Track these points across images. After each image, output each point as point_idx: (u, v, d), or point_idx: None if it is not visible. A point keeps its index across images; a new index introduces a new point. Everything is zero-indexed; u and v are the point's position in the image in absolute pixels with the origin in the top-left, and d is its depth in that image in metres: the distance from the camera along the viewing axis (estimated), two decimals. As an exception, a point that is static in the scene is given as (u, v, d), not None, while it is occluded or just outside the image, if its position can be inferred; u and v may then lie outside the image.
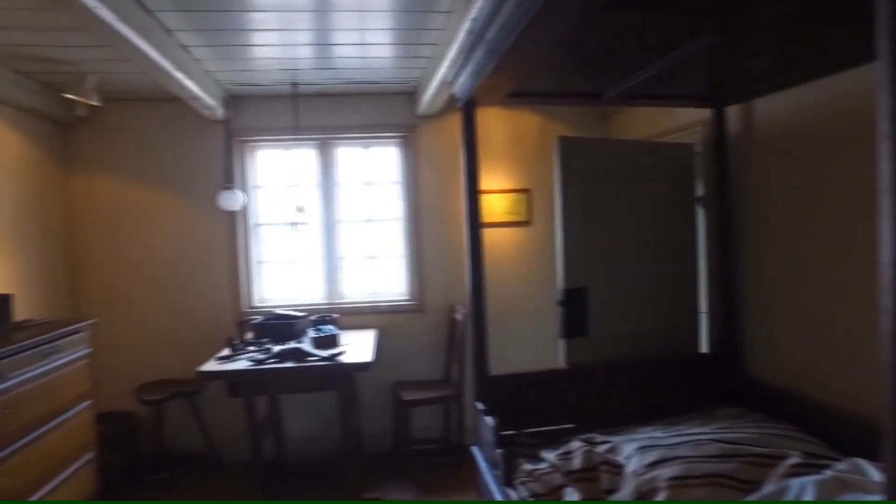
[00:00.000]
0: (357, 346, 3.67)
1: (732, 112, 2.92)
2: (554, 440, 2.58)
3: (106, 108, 4.14)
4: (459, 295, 4.44)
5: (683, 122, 3.34)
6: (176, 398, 3.98)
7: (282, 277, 4.59)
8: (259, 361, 3.33)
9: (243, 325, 3.89)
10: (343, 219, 4.57)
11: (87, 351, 3.02)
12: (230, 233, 4.36)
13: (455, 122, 4.50)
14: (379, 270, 4.64)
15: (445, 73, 3.24)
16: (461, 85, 2.59)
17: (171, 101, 4.17)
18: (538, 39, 1.80)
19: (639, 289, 2.97)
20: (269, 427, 4.10)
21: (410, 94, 4.47)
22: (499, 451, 2.23)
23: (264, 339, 3.82)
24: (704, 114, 3.02)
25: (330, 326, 3.95)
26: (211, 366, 3.33)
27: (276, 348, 3.54)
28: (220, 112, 4.08)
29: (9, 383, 2.36)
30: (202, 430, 4.13)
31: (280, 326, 3.94)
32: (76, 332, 2.94)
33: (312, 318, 4.12)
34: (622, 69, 2.33)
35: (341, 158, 4.58)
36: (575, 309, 2.86)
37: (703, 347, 3.16)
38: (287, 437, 4.32)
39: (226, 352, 3.61)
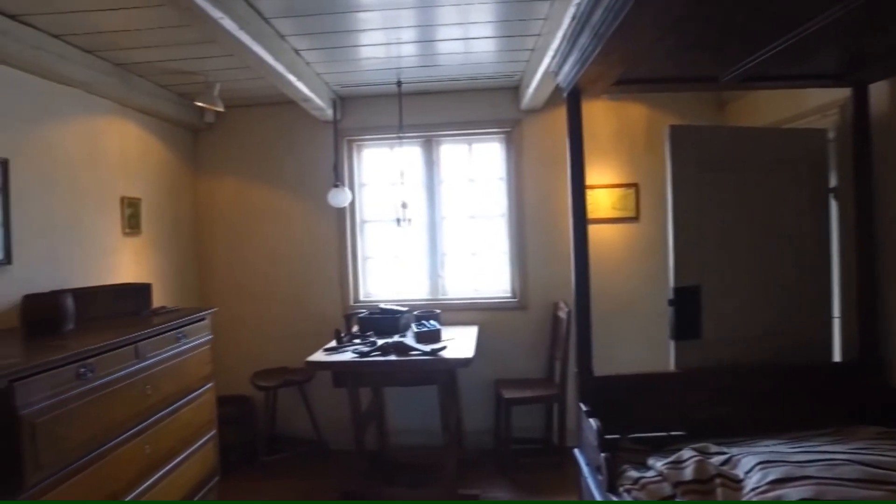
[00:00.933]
0: (459, 342, 3.68)
1: (877, 90, 2.60)
2: (661, 447, 2.43)
3: (228, 113, 4.45)
4: (563, 292, 4.32)
5: (814, 105, 3.03)
6: (287, 386, 4.20)
7: (386, 273, 4.71)
8: (363, 354, 3.43)
9: (350, 318, 4.03)
10: (446, 215, 4.61)
11: (210, 337, 3.26)
12: (338, 229, 4.53)
13: (559, 117, 4.40)
14: (481, 267, 4.63)
15: (549, 63, 3.16)
16: (565, 74, 2.51)
17: (286, 105, 4.41)
18: (648, 19, 1.69)
19: (760, 288, 2.73)
20: (371, 418, 4.22)
21: (514, 89, 4.41)
22: (603, 455, 2.13)
23: (369, 333, 3.93)
24: (841, 94, 2.72)
25: (433, 322, 3.99)
26: (318, 356, 3.47)
27: (380, 342, 3.62)
28: (329, 113, 4.25)
29: (148, 362, 2.59)
30: (310, 417, 4.33)
31: (384, 320, 4.03)
32: (201, 318, 3.17)
33: (415, 313, 4.18)
34: (742, 47, 2.15)
35: (445, 155, 4.62)
36: (687, 309, 2.68)
37: (836, 356, 2.85)
38: (389, 428, 4.43)
39: (333, 343, 3.75)
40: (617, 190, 4.42)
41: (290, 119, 4.53)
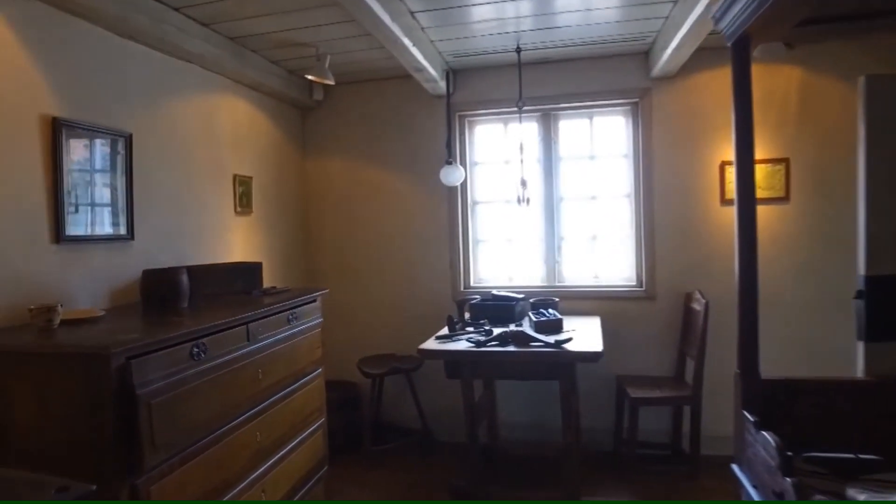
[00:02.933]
0: (582, 334, 3.33)
1: None
2: (849, 473, 1.98)
3: (337, 90, 4.33)
4: (698, 281, 3.85)
5: None
6: (394, 374, 4.03)
7: (499, 257, 4.42)
8: (479, 343, 3.17)
9: (462, 304, 3.79)
10: (565, 196, 4.24)
11: (320, 319, 3.12)
12: (449, 210, 4.29)
13: (695, 84, 3.91)
14: (603, 252, 4.23)
15: (700, 13, 2.72)
16: (733, 17, 2.08)
17: (396, 80, 4.23)
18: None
19: None
20: (483, 411, 3.96)
21: (642, 55, 3.96)
22: (789, 480, 1.73)
23: (482, 320, 3.66)
24: None
25: (552, 311, 3.67)
26: (431, 344, 3.25)
27: (497, 330, 3.35)
28: (441, 86, 4.01)
29: (260, 344, 2.47)
30: (417, 407, 4.14)
31: (498, 308, 3.75)
32: (312, 300, 3.04)
33: (532, 300, 3.87)
34: None
35: (563, 131, 4.25)
36: (882, 303, 2.18)
37: None
38: (499, 421, 4.16)
39: (444, 331, 3.52)
40: (763, 166, 3.85)
41: (401, 94, 4.33)
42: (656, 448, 3.90)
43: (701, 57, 3.65)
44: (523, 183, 3.72)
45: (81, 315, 2.19)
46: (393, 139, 4.38)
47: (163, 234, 2.96)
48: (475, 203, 4.39)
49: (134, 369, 1.73)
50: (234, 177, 3.60)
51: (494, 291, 4.02)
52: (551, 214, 4.22)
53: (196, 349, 2.01)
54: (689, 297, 3.85)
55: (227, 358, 2.20)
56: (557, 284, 4.22)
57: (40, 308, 2.00)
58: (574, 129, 4.26)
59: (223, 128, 3.52)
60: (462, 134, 4.33)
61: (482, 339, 3.24)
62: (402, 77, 4.17)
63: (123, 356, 1.70)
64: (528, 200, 3.74)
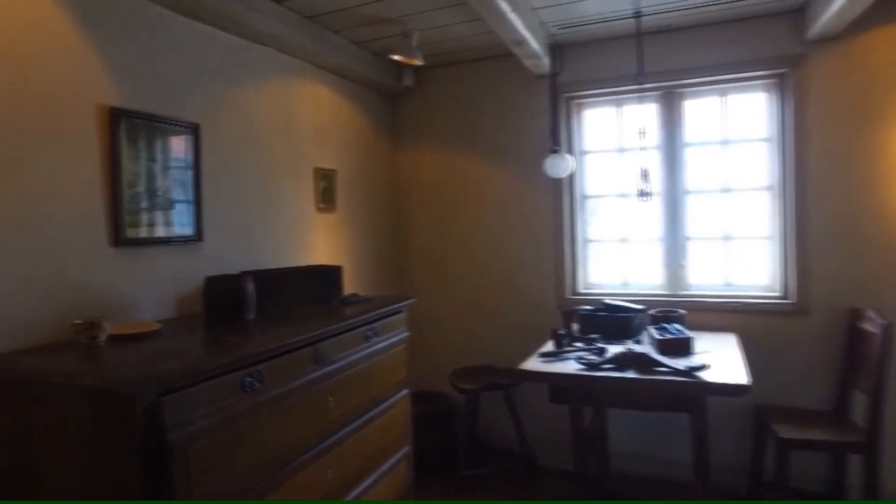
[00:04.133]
0: (719, 358, 2.71)
1: None
2: None
3: (428, 74, 3.95)
4: (870, 295, 3.10)
5: None
6: (491, 390, 3.58)
7: (612, 259, 3.84)
8: (592, 365, 2.64)
9: (569, 315, 3.27)
10: (691, 189, 3.59)
11: (406, 334, 2.72)
12: (554, 206, 3.77)
13: (869, 45, 3.12)
14: (738, 255, 3.54)
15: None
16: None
17: (493, 60, 3.80)
18: None
19: None
20: (592, 438, 3.43)
21: (793, 13, 3.22)
22: None
23: (592, 335, 3.13)
24: None
25: (677, 326, 3.06)
26: (534, 363, 2.77)
27: (611, 349, 2.82)
28: (544, 63, 3.49)
29: (332, 367, 2.10)
30: (516, 427, 3.67)
31: (612, 320, 3.20)
32: (397, 311, 2.65)
33: (652, 312, 3.28)
34: None
35: (690, 113, 3.59)
36: None
37: None
38: (610, 450, 3.60)
39: (549, 346, 3.03)
40: (962, 148, 3.02)
41: (499, 76, 3.86)
42: (804, 496, 3.19)
43: (879, 8, 2.89)
44: (645, 174, 3.13)
45: (134, 329, 1.92)
46: (491, 127, 3.91)
47: (235, 234, 2.69)
48: (584, 197, 3.83)
49: (167, 409, 1.39)
50: (316, 170, 3.29)
51: (607, 300, 3.46)
52: (674, 210, 3.58)
53: (249, 378, 1.66)
54: (856, 315, 3.09)
55: (289, 386, 1.84)
56: (682, 293, 3.58)
57: (83, 323, 1.74)
58: (703, 109, 3.58)
59: (303, 116, 3.22)
60: (569, 119, 3.79)
61: (595, 359, 2.71)
62: (500, 56, 3.70)
63: (153, 393, 1.37)
64: (650, 194, 3.14)
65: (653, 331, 3.01)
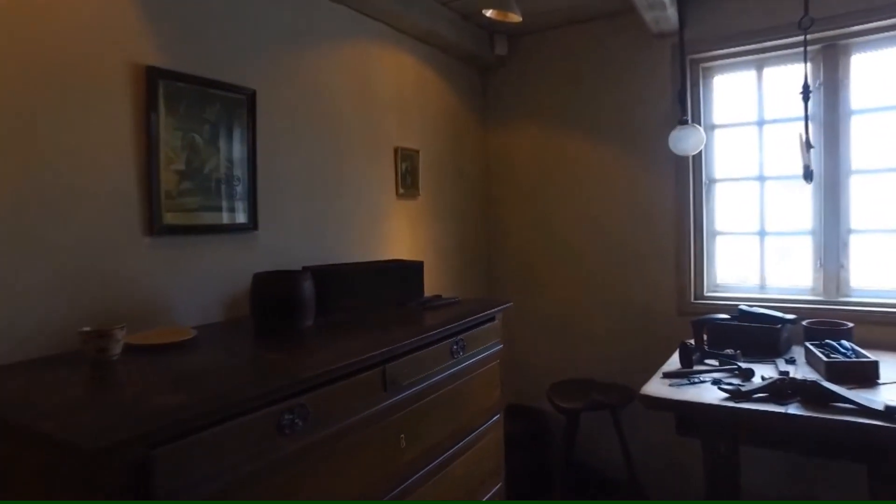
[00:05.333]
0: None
1: None
2: None
3: (525, 42, 3.44)
4: None
5: None
6: (594, 410, 3.02)
7: (745, 257, 3.16)
8: (739, 394, 2.03)
9: (700, 326, 2.63)
10: (857, 168, 2.85)
11: (500, 347, 2.21)
12: (676, 192, 3.13)
13: None
14: (925, 254, 2.77)
15: None
16: None
17: (604, 20, 3.24)
18: None
19: None
20: (723, 474, 2.78)
21: None
22: None
23: (728, 351, 2.50)
24: None
25: (845, 343, 2.38)
26: (659, 387, 2.19)
27: (759, 372, 2.20)
28: (670, 16, 2.85)
29: (405, 394, 1.64)
30: (623, 454, 3.08)
31: (754, 333, 2.56)
32: (490, 318, 2.15)
33: (805, 323, 2.60)
34: None
35: (855, 72, 2.84)
36: None
37: None
38: (742, 490, 2.93)
39: (675, 363, 2.44)
40: None
41: (610, 38, 3.26)
42: None
43: None
44: (807, 145, 2.44)
45: (161, 338, 1.55)
46: (599, 101, 3.32)
47: (297, 223, 2.30)
48: (712, 182, 3.17)
49: (161, 466, 0.98)
50: (397, 150, 2.86)
51: (743, 306, 2.80)
52: (834, 195, 2.85)
53: (289, 416, 1.23)
54: None
55: (346, 422, 1.40)
56: (841, 300, 2.85)
57: (91, 332, 1.38)
58: (875, 65, 2.82)
59: (383, 88, 2.79)
60: (695, 86, 3.13)
61: (741, 385, 2.10)
62: (611, 14, 3.15)
63: (138, 446, 0.95)
64: (811, 174, 2.46)
65: (814, 349, 2.34)
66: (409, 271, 2.34)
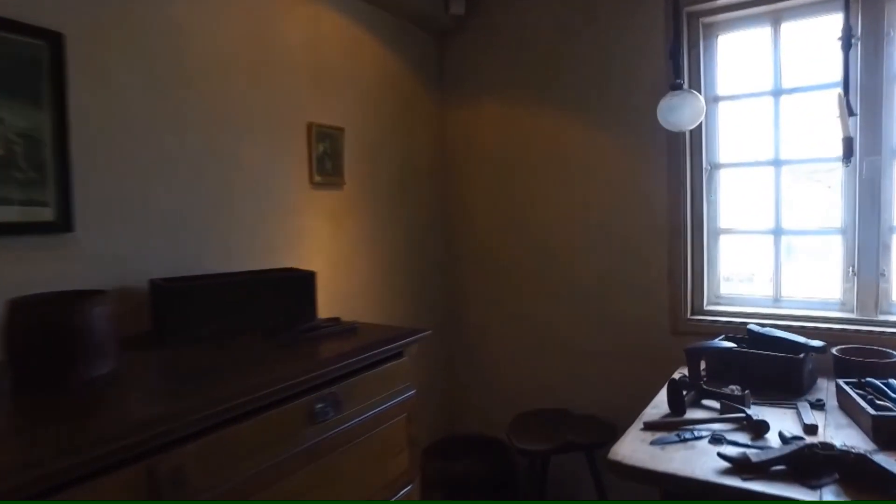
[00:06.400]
0: None
1: None
2: None
3: (486, 2, 2.81)
4: None
5: None
6: (566, 451, 2.42)
7: (756, 262, 2.54)
8: (746, 465, 1.42)
9: (697, 356, 2.00)
10: (902, 148, 2.22)
11: (410, 393, 1.59)
12: (671, 179, 2.50)
13: None
14: None
15: None
16: None
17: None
18: None
19: None
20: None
21: None
22: None
23: (731, 386, 1.89)
24: None
25: (895, 381, 1.77)
26: (635, 449, 1.58)
27: (773, 424, 1.60)
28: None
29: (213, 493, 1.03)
30: (600, 496, 2.49)
31: (765, 364, 1.95)
32: (392, 355, 1.53)
33: (835, 350, 1.99)
34: None
35: (901, 24, 2.21)
36: None
37: None
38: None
39: (661, 403, 1.84)
40: None
41: (586, -10, 2.64)
42: None
43: None
44: (848, 110, 1.80)
45: None
46: (576, 66, 2.70)
47: (150, 221, 1.70)
48: (714, 167, 2.54)
49: None
50: (311, 127, 2.24)
51: (753, 325, 2.19)
52: (874, 182, 2.22)
53: None
54: None
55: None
56: (882, 318, 2.23)
57: None
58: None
59: (291, 50, 2.18)
60: (694, 48, 2.50)
61: (748, 445, 1.50)
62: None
63: None
64: (851, 152, 1.83)
65: (851, 391, 1.72)
66: (295, 285, 1.73)
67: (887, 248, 2.23)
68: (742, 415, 1.71)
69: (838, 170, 2.29)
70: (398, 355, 1.52)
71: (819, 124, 2.33)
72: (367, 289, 2.55)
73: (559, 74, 2.72)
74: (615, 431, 2.46)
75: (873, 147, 2.19)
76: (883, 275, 2.23)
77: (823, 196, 2.37)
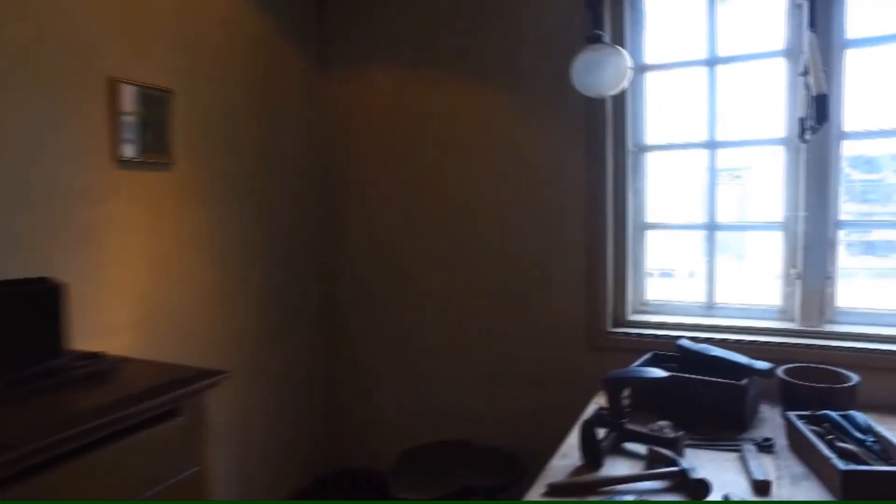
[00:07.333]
0: None
1: None
2: None
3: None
4: None
5: None
6: (462, 499, 1.96)
7: (687, 262, 2.18)
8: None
9: (617, 386, 1.55)
10: (852, 130, 1.87)
11: (195, 470, 1.05)
12: (590, 162, 2.07)
13: None
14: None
15: None
16: None
17: None
18: None
19: None
20: None
21: None
22: None
23: (661, 422, 1.48)
24: None
25: (857, 416, 1.40)
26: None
27: (718, 490, 1.18)
28: None
29: None
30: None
31: (701, 395, 1.55)
32: (165, 415, 0.99)
33: (781, 372, 1.63)
34: None
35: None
36: None
37: None
38: None
39: (573, 449, 1.40)
40: None
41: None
42: None
43: None
44: (816, 95, 1.41)
45: None
46: (484, 28, 2.22)
47: None
48: (641, 149, 2.13)
49: None
50: (114, 84, 1.65)
51: (685, 341, 1.79)
52: (822, 169, 1.87)
53: None
54: None
55: None
56: (828, 328, 1.88)
57: None
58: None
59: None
60: (617, 4, 2.07)
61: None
62: None
63: None
64: (810, 130, 1.44)
65: (807, 431, 1.34)
66: (30, 304, 1.17)
67: (833, 245, 1.89)
68: (676, 468, 1.30)
69: (782, 152, 1.93)
70: (170, 414, 0.98)
71: (761, 100, 1.97)
72: (208, 301, 1.99)
73: (461, 36, 2.24)
74: (522, 469, 2.02)
75: (825, 126, 1.83)
76: (829, 278, 1.89)
77: (763, 185, 2.02)
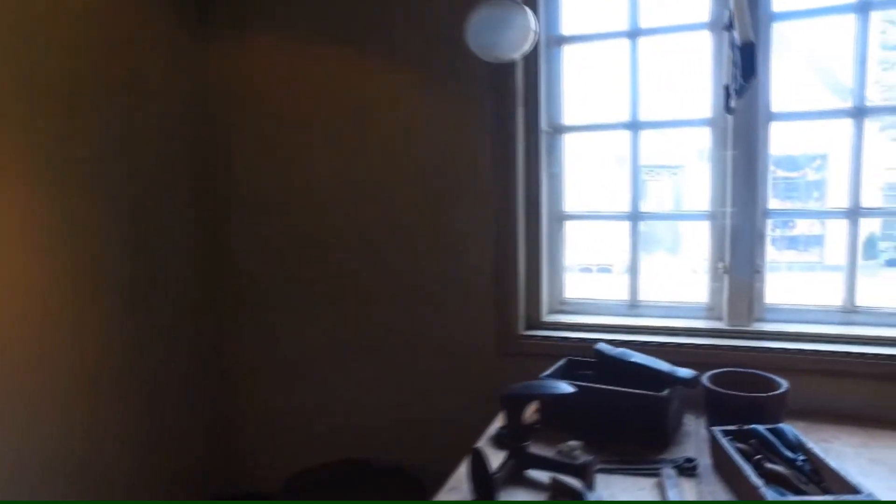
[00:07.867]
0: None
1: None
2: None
3: None
4: None
5: None
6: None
7: (606, 256, 1.98)
8: None
9: (516, 404, 1.31)
10: (782, 110, 1.71)
11: None
12: (493, 143, 1.83)
13: None
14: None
15: None
16: None
17: None
18: None
19: None
20: None
21: None
22: None
23: (569, 437, 1.26)
24: None
25: (788, 430, 1.21)
26: None
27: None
28: None
29: None
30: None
31: (618, 410, 1.34)
32: None
33: (706, 380, 1.43)
34: None
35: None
36: None
37: None
38: None
39: (463, 481, 1.15)
40: None
41: None
42: None
43: None
44: (738, 63, 1.20)
45: None
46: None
47: None
48: (556, 130, 1.91)
49: None
50: None
51: (603, 345, 1.58)
52: (750, 153, 1.70)
53: None
54: None
55: None
56: (755, 328, 1.72)
57: None
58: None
59: None
60: (530, -32, 1.84)
61: None
62: None
63: None
64: (736, 92, 1.24)
65: (732, 452, 1.14)
66: None
67: (762, 237, 1.73)
68: (576, 497, 1.07)
69: (708, 133, 1.75)
70: None
71: (686, 79, 1.79)
72: (44, 305, 1.64)
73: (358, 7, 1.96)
74: (423, 493, 1.77)
75: (747, 108, 1.66)
76: (758, 272, 1.72)
77: (692, 172, 1.83)
